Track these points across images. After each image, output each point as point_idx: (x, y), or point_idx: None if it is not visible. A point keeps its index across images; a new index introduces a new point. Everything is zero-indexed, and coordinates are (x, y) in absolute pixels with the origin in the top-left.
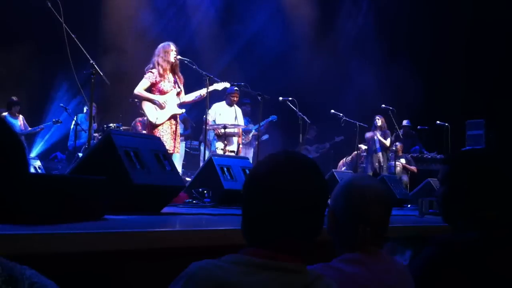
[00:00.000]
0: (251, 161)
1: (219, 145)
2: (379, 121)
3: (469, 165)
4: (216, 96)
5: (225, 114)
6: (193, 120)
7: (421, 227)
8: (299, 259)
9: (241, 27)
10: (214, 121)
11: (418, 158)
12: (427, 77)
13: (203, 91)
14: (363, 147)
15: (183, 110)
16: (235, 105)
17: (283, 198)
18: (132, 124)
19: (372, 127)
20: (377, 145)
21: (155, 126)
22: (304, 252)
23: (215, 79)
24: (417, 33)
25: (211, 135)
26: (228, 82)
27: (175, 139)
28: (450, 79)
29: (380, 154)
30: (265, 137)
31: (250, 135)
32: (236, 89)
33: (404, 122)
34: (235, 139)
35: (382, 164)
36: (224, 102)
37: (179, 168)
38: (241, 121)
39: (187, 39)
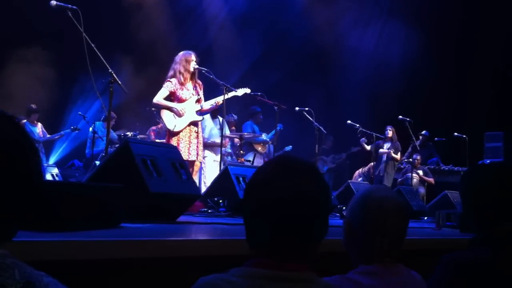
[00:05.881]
0: None
1: (207, 154)
2: (390, 132)
3: (485, 178)
4: (234, 103)
5: (209, 126)
6: None
7: (438, 240)
8: (305, 266)
9: (258, 35)
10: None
11: (435, 170)
12: (446, 88)
13: (219, 99)
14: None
15: (202, 117)
16: (218, 116)
17: (284, 199)
18: (147, 133)
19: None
20: (384, 158)
21: (174, 133)
22: (310, 258)
23: (232, 88)
24: (441, 41)
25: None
26: (248, 88)
27: (197, 146)
28: (469, 90)
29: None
30: (288, 148)
31: (266, 144)
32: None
33: (423, 132)
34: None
35: (389, 173)
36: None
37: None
38: (227, 131)
39: (205, 47)
